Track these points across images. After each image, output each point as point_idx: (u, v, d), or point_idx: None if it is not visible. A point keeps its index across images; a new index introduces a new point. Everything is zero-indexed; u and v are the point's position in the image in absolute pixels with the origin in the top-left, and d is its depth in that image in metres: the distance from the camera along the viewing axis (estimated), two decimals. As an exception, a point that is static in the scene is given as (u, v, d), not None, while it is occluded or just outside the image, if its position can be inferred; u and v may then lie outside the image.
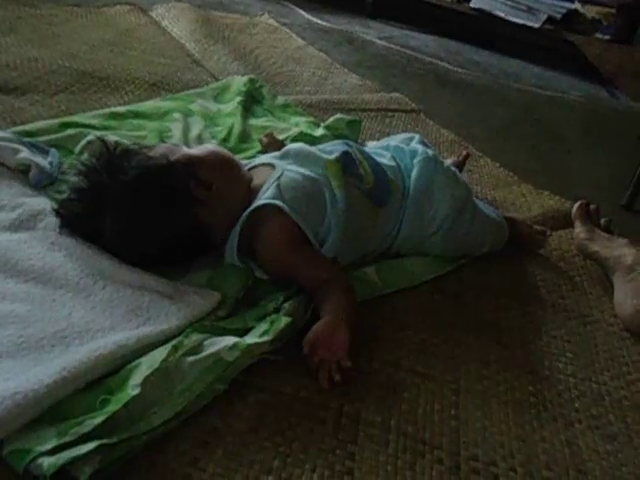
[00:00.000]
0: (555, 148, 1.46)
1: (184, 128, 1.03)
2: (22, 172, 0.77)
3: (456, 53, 2.11)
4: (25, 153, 0.77)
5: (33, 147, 0.83)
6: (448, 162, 1.04)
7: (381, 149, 0.89)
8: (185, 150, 0.74)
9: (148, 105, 1.09)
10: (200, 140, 1.01)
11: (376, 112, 1.39)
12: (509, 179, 1.19)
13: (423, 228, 0.81)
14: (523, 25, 2.00)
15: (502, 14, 2.02)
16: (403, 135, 1.01)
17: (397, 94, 1.51)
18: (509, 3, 2.04)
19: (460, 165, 1.08)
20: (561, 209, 1.10)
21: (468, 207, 0.83)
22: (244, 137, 1.05)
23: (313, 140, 1.05)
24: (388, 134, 1.29)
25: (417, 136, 0.97)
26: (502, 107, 1.66)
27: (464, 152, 1.12)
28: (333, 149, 0.81)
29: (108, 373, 0.54)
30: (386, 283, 0.79)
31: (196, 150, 0.75)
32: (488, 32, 2.22)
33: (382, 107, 1.42)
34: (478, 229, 0.84)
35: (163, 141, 0.96)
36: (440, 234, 0.81)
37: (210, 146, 0.79)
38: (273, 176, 0.75)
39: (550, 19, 1.98)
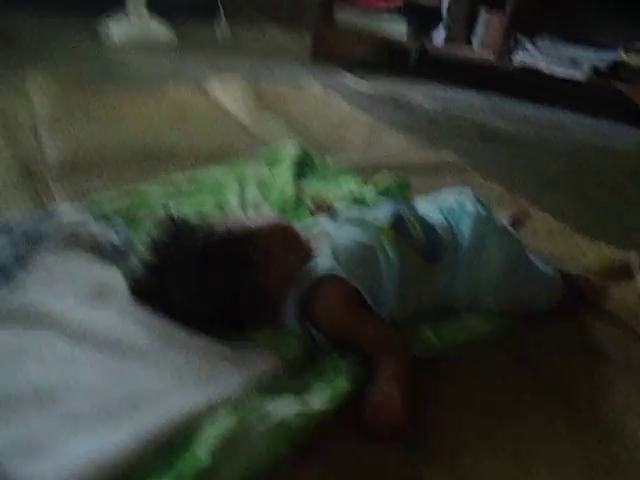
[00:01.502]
0: (608, 197, 1.44)
1: (241, 196, 1.09)
2: (95, 247, 0.83)
3: (501, 108, 2.14)
4: (97, 228, 0.84)
5: (104, 220, 0.89)
6: (503, 216, 1.05)
7: (431, 207, 0.91)
8: (245, 220, 0.78)
9: (207, 176, 1.16)
10: (256, 207, 1.06)
11: (424, 170, 1.42)
12: (563, 230, 1.19)
13: (477, 285, 0.82)
14: (568, 78, 2.01)
15: (546, 68, 2.04)
16: (454, 190, 1.01)
17: (444, 151, 1.54)
18: (552, 57, 2.06)
19: (517, 220, 1.08)
20: (620, 259, 1.08)
21: (521, 263, 0.83)
22: (296, 202, 1.10)
23: (363, 201, 1.09)
24: (437, 190, 1.30)
25: (468, 190, 0.97)
26: (551, 158, 1.67)
27: (523, 209, 1.12)
28: (383, 210, 0.84)
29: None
30: (443, 340, 0.79)
31: (255, 220, 0.79)
32: (533, 86, 2.24)
33: (430, 165, 1.45)
34: (533, 285, 0.84)
35: (223, 210, 1.03)
36: (495, 291, 0.81)
37: (268, 215, 0.83)
38: (327, 241, 0.78)
39: (595, 70, 1.99)
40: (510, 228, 0.94)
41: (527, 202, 1.30)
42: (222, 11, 2.69)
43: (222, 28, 2.63)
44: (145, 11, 2.33)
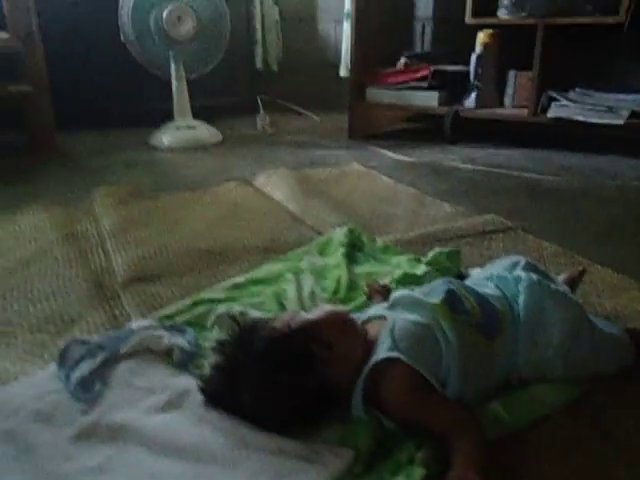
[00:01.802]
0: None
1: (297, 287, 1.12)
2: (167, 355, 0.88)
3: (543, 161, 2.15)
4: (167, 337, 0.89)
5: (173, 329, 0.94)
6: (561, 278, 1.04)
7: (484, 279, 0.92)
8: (304, 315, 0.81)
9: (263, 270, 1.21)
10: (313, 296, 1.10)
11: (473, 237, 1.43)
12: (625, 284, 1.16)
13: (541, 354, 0.81)
14: (607, 124, 2.01)
15: (582, 118, 2.06)
16: (507, 260, 1.01)
17: (491, 215, 1.55)
18: (587, 107, 2.07)
19: (575, 281, 1.07)
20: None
21: (584, 327, 0.82)
22: (352, 286, 1.13)
23: (416, 279, 1.10)
24: (490, 257, 1.32)
25: (522, 260, 0.97)
26: (602, 208, 1.65)
27: (579, 267, 1.11)
28: (437, 290, 0.85)
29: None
30: (515, 417, 0.78)
31: (314, 313, 0.82)
32: (570, 136, 2.25)
33: (478, 231, 1.46)
34: (599, 348, 0.82)
35: (281, 303, 1.07)
36: (559, 358, 0.80)
37: (326, 307, 0.86)
38: (386, 327, 0.80)
39: (634, 113, 1.99)
40: (567, 290, 0.93)
41: (583, 257, 1.29)
42: (261, 106, 2.86)
43: (263, 122, 2.79)
44: (191, 118, 2.51)
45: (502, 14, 2.16)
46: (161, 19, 2.23)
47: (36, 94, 2.18)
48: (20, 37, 2.11)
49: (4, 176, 2.00)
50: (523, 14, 2.10)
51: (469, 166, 2.10)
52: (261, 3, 3.16)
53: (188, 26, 2.26)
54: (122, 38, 2.26)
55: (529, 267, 0.94)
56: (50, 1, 2.42)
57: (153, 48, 2.30)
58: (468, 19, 2.21)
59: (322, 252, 1.31)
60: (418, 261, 1.23)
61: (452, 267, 1.19)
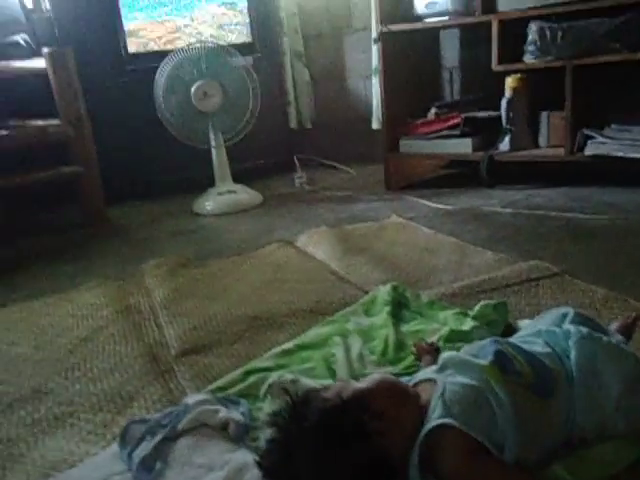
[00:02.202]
0: None
1: (345, 350, 1.13)
2: (223, 429, 0.90)
3: (584, 199, 2.12)
4: (223, 411, 0.91)
5: (227, 401, 0.97)
6: (614, 327, 1.02)
7: (532, 336, 0.91)
8: (354, 385, 0.82)
9: (311, 335, 1.23)
10: (361, 359, 1.11)
11: (519, 285, 1.42)
12: (682, 327, 1.12)
13: (599, 411, 0.79)
14: (646, 158, 1.99)
15: (621, 154, 2.04)
16: (555, 312, 0.99)
17: (535, 261, 1.53)
18: (625, 143, 2.05)
19: (630, 328, 1.03)
20: None
21: (641, 380, 0.81)
22: (400, 346, 1.13)
23: (464, 336, 1.10)
24: (537, 306, 1.31)
25: (571, 311, 0.95)
26: (651, 245, 1.61)
27: (633, 313, 1.06)
28: (485, 350, 0.85)
29: None
30: (578, 477, 0.76)
31: (364, 383, 0.83)
32: (611, 172, 2.22)
33: (524, 279, 1.44)
34: (661, 402, 0.80)
35: (331, 368, 1.08)
36: (620, 414, 0.78)
37: (376, 375, 0.86)
38: (437, 392, 0.80)
39: (672, 145, 1.96)
40: (621, 340, 0.91)
41: (636, 300, 1.26)
42: (298, 165, 2.94)
43: (301, 180, 2.86)
44: (232, 182, 2.60)
45: (528, 59, 2.18)
46: (189, 95, 2.39)
47: (87, 173, 2.32)
48: (70, 122, 2.26)
49: (61, 253, 2.11)
50: (549, 58, 2.12)
51: (509, 210, 2.09)
52: (292, 67, 3.29)
53: (214, 100, 2.41)
54: (159, 115, 2.39)
55: (578, 318, 0.93)
56: (95, 84, 2.58)
57: (185, 122, 2.43)
58: (495, 66, 2.25)
59: (368, 312, 1.32)
60: (465, 315, 1.22)
61: (500, 320, 1.18)
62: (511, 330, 1.15)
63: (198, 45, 2.42)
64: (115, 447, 0.89)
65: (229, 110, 2.47)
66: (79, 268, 1.91)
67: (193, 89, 2.39)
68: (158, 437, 0.89)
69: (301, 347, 1.17)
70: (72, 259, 2.02)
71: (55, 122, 2.26)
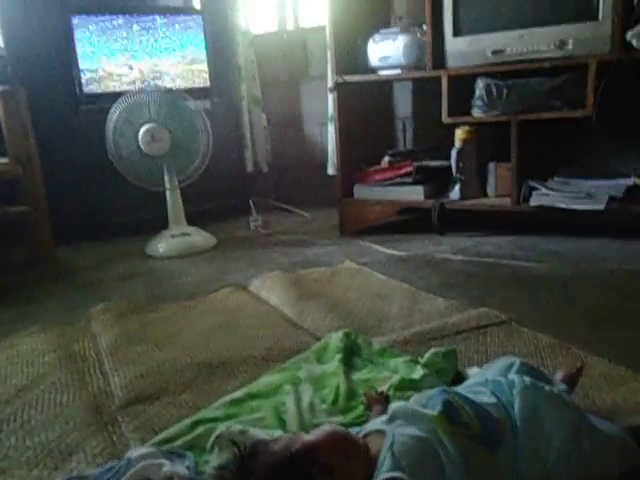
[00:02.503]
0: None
1: (296, 399, 1.12)
2: (168, 484, 0.86)
3: (530, 248, 2.20)
4: (167, 465, 0.87)
5: (172, 454, 0.93)
6: (559, 376, 1.04)
7: (479, 386, 0.92)
8: (303, 437, 0.81)
9: (261, 383, 1.21)
10: (312, 408, 1.09)
11: (468, 332, 1.44)
12: (624, 375, 1.16)
13: (543, 460, 0.80)
14: (588, 210, 2.08)
15: (564, 205, 2.13)
16: (502, 361, 1.01)
17: (484, 309, 1.56)
18: (567, 195, 2.16)
19: (574, 378, 1.05)
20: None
21: (583, 430, 0.82)
22: (351, 395, 1.12)
23: (414, 384, 1.11)
24: (485, 353, 1.33)
25: (517, 361, 0.97)
26: (594, 294, 1.67)
27: (577, 364, 1.09)
28: (434, 400, 0.86)
29: None
30: (525, 529, 0.76)
31: (314, 435, 0.82)
32: (555, 222, 2.31)
33: (473, 326, 1.47)
34: (601, 450, 0.82)
35: (281, 418, 1.07)
36: (561, 464, 0.79)
37: (326, 427, 0.85)
38: (386, 444, 0.79)
39: (612, 198, 2.07)
40: (564, 389, 0.94)
41: (579, 348, 1.29)
42: (253, 208, 2.95)
43: (256, 223, 2.87)
44: (185, 225, 2.58)
45: (476, 113, 2.29)
46: (137, 139, 2.39)
47: (35, 213, 2.26)
48: (19, 161, 2.21)
49: (4, 296, 2.03)
50: (496, 112, 2.23)
51: (460, 257, 2.14)
52: (249, 112, 3.33)
53: (162, 144, 2.40)
54: (110, 157, 2.37)
55: (523, 368, 0.95)
56: (49, 123, 2.55)
57: (135, 164, 2.42)
58: (445, 118, 2.34)
59: (320, 359, 1.31)
60: (415, 363, 1.23)
61: (449, 367, 1.20)
62: (460, 378, 1.17)
63: (149, 89, 2.43)
64: (51, 506, 0.85)
65: (179, 153, 2.46)
66: (22, 312, 1.84)
67: (141, 133, 2.39)
68: (97, 494, 0.85)
69: (251, 396, 1.15)
70: (15, 302, 1.95)
71: (3, 160, 2.21)
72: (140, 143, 2.39)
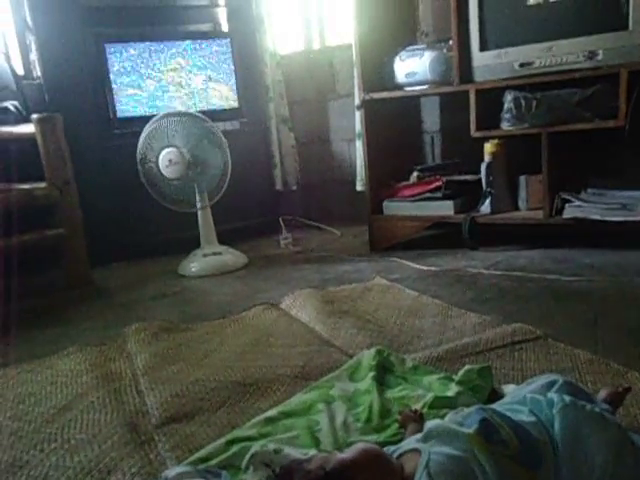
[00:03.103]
0: None
1: (330, 417, 1.12)
2: (203, 503, 0.87)
3: (564, 261, 2.16)
4: (204, 485, 0.88)
5: (208, 473, 0.94)
6: (602, 394, 1.01)
7: (518, 404, 0.91)
8: (338, 456, 0.81)
9: (294, 402, 1.21)
10: (346, 426, 1.09)
11: (503, 348, 1.42)
12: (665, 391, 1.13)
13: (585, 480, 0.79)
14: (623, 221, 2.04)
15: (598, 217, 2.09)
16: (543, 379, 0.98)
17: (518, 324, 1.54)
18: (601, 206, 2.11)
19: (619, 398, 1.01)
20: None
21: (625, 449, 0.80)
22: (384, 413, 1.12)
23: (449, 402, 1.09)
24: (521, 369, 1.31)
25: (560, 380, 0.94)
26: (631, 307, 1.63)
27: (625, 385, 1.05)
28: (471, 419, 0.85)
29: None
30: None
31: (348, 453, 0.82)
32: (590, 234, 2.27)
33: (507, 342, 1.45)
34: (645, 471, 0.80)
35: (315, 437, 1.06)
36: (605, 483, 0.78)
37: (360, 445, 0.85)
38: (421, 463, 0.79)
39: (648, 209, 2.02)
40: (606, 408, 0.91)
41: (619, 364, 1.26)
42: (283, 226, 2.97)
43: (286, 241, 2.88)
44: (217, 244, 2.61)
45: (505, 126, 2.27)
46: (157, 163, 2.45)
47: (71, 236, 2.32)
48: (57, 186, 2.28)
49: (43, 317, 2.08)
50: (525, 125, 2.21)
51: (492, 271, 2.11)
52: (277, 131, 3.38)
53: (178, 167, 2.43)
54: (142, 178, 2.44)
55: (566, 387, 0.92)
56: (83, 148, 2.62)
57: (160, 186, 2.48)
58: (473, 133, 2.33)
59: (352, 377, 1.31)
60: (449, 380, 1.22)
61: (484, 385, 1.18)
62: (496, 395, 1.15)
63: (168, 113, 2.47)
64: (90, 525, 0.86)
65: (199, 174, 2.48)
66: (60, 333, 1.88)
67: (160, 157, 2.43)
68: (136, 513, 0.86)
69: (285, 414, 1.15)
70: (53, 323, 1.99)
71: (42, 185, 2.28)
72: (160, 167, 2.44)
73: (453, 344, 1.47)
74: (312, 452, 0.95)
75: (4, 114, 2.47)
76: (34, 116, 2.30)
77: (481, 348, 1.43)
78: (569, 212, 2.17)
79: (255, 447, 1.00)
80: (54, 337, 1.84)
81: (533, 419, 0.85)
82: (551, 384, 0.95)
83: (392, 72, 2.55)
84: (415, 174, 2.64)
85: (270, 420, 1.14)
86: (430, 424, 0.88)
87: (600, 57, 2.06)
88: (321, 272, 2.36)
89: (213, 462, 1.00)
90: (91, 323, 1.97)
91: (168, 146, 2.43)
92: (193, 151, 2.44)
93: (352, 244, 2.82)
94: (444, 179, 2.53)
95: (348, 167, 3.34)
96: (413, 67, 2.48)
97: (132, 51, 2.80)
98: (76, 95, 2.74)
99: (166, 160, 2.42)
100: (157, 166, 2.43)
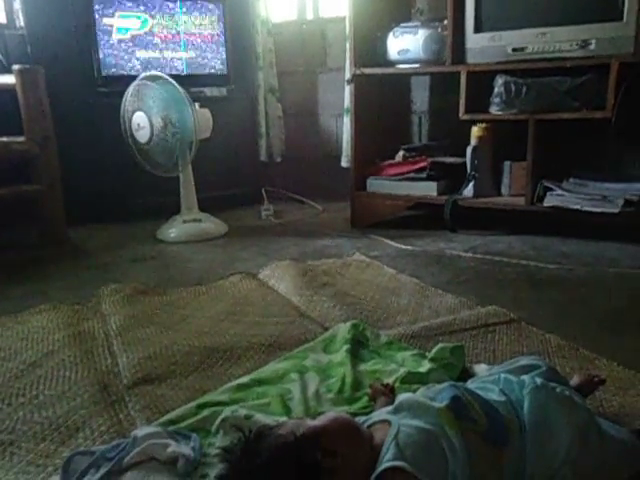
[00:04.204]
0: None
1: (302, 387, 1.13)
2: (172, 464, 0.87)
3: (542, 248, 2.18)
4: (173, 446, 0.88)
5: (177, 435, 0.94)
6: (575, 380, 1.03)
7: (490, 383, 0.92)
8: (309, 423, 0.81)
9: (267, 370, 1.21)
10: (318, 397, 1.10)
11: (476, 329, 1.44)
12: (632, 380, 1.15)
13: (549, 462, 0.80)
14: (603, 212, 2.07)
15: (578, 207, 2.11)
16: (526, 360, 0.99)
17: (493, 307, 1.56)
18: (582, 197, 2.13)
19: (590, 386, 1.03)
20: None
21: (591, 433, 0.82)
22: (356, 386, 1.13)
23: (421, 378, 1.11)
24: (492, 350, 1.33)
25: (543, 367, 0.95)
26: (605, 297, 1.66)
27: (601, 375, 1.05)
28: (442, 395, 0.86)
29: None
30: (526, 527, 0.76)
31: (319, 421, 0.82)
32: (569, 223, 2.29)
33: (481, 323, 1.46)
34: (609, 455, 0.81)
35: (286, 405, 1.07)
36: (568, 466, 0.79)
37: (331, 414, 0.86)
38: (390, 434, 0.79)
39: (627, 202, 2.04)
40: (573, 395, 0.92)
41: (587, 350, 1.29)
42: (266, 197, 2.95)
43: (267, 212, 2.87)
44: (197, 211, 2.58)
45: (494, 110, 2.27)
46: (130, 126, 2.41)
47: (48, 193, 2.27)
48: (36, 140, 2.22)
49: (15, 273, 2.05)
50: (513, 110, 2.21)
51: (470, 254, 2.13)
52: (265, 101, 3.33)
53: (144, 131, 2.38)
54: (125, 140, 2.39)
55: (547, 374, 0.92)
56: (65, 104, 2.55)
57: (139, 149, 2.43)
58: (462, 115, 2.32)
59: (327, 349, 1.31)
60: (422, 357, 1.23)
61: (456, 363, 1.19)
62: (467, 374, 1.17)
63: (144, 76, 2.41)
64: (56, 479, 0.86)
65: (160, 143, 2.41)
66: (32, 290, 1.86)
67: (133, 121, 2.39)
68: (103, 470, 0.86)
69: (257, 382, 1.15)
70: (25, 280, 1.96)
71: (20, 139, 2.22)
72: (133, 130, 2.40)
73: (428, 322, 1.48)
74: (283, 419, 0.95)
75: (-16, 63, 2.39)
76: (15, 67, 2.23)
77: (455, 328, 1.44)
78: (550, 200, 2.19)
79: (226, 412, 1.01)
80: (26, 294, 1.81)
81: (503, 399, 0.86)
82: (532, 367, 0.95)
83: (385, 48, 2.52)
84: (401, 153, 2.64)
85: (242, 387, 1.14)
86: (402, 397, 0.89)
87: (593, 47, 2.06)
88: (301, 245, 2.36)
89: (183, 424, 1.00)
90: (65, 282, 1.94)
91: (138, 110, 2.38)
92: (161, 115, 2.38)
93: (333, 220, 2.81)
94: (429, 160, 2.53)
95: (334, 142, 3.32)
96: (406, 44, 2.46)
97: (122, 7, 2.72)
98: (60, 48, 2.66)
99: (135, 124, 2.38)
100: (130, 129, 2.39)
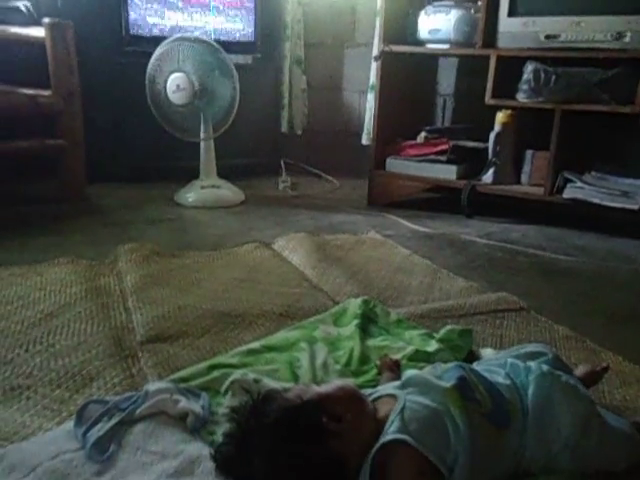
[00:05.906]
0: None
1: (310, 357, 1.15)
2: (181, 419, 0.90)
3: (557, 240, 2.18)
4: (183, 402, 0.91)
5: (188, 392, 0.97)
6: (580, 370, 1.04)
7: (497, 366, 0.94)
8: (315, 389, 0.84)
9: (278, 337, 1.24)
10: (325, 367, 1.12)
11: (485, 315, 1.45)
12: (636, 374, 1.16)
13: (548, 447, 0.82)
14: (622, 208, 2.05)
15: (598, 201, 2.10)
16: (533, 347, 1.01)
17: (504, 293, 1.57)
18: (603, 190, 2.12)
19: (595, 376, 1.04)
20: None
21: (593, 422, 0.83)
22: (364, 360, 1.15)
23: (427, 357, 1.13)
24: (500, 336, 1.34)
25: (549, 355, 0.97)
26: (616, 292, 1.66)
27: (603, 363, 1.07)
28: (449, 374, 0.87)
29: None
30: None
31: (325, 387, 0.85)
32: (586, 217, 2.28)
33: (491, 309, 1.48)
34: (608, 445, 0.83)
35: (294, 372, 1.10)
36: (567, 452, 0.81)
37: (337, 382, 0.88)
38: (396, 408, 0.82)
39: (647, 199, 2.03)
40: (578, 385, 0.93)
41: (594, 343, 1.30)
42: (284, 169, 2.96)
43: (285, 184, 2.87)
44: (216, 177, 2.59)
45: (520, 97, 2.24)
46: (165, 87, 2.39)
47: (71, 149, 2.29)
48: (62, 95, 2.23)
49: (35, 226, 2.08)
50: (541, 99, 2.18)
51: (485, 241, 2.13)
52: (290, 72, 3.31)
53: (185, 93, 2.36)
54: (149, 101, 2.39)
55: (553, 362, 0.94)
56: (92, 61, 2.56)
57: (167, 111, 2.43)
58: (488, 100, 2.30)
59: (337, 322, 1.33)
60: (430, 337, 1.25)
61: (464, 346, 1.21)
62: (473, 357, 1.18)
63: (183, 37, 2.41)
64: (70, 425, 0.89)
65: (205, 104, 2.43)
66: (51, 242, 1.89)
67: (169, 81, 2.37)
68: (115, 420, 0.89)
69: (267, 348, 1.18)
70: (46, 233, 2.00)
71: (46, 93, 2.24)
72: (167, 91, 2.38)
73: (438, 304, 1.50)
74: (290, 386, 0.97)
75: (15, 14, 2.39)
76: (45, 20, 2.23)
77: (464, 312, 1.46)
78: (570, 192, 2.18)
79: (236, 374, 1.04)
80: (45, 246, 1.85)
81: (508, 382, 0.88)
82: (538, 354, 0.97)
83: (415, 26, 2.49)
84: (423, 134, 2.62)
85: (252, 352, 1.16)
86: (409, 373, 0.91)
87: (627, 39, 2.03)
88: (316, 219, 2.37)
89: (193, 383, 1.02)
90: (83, 237, 1.97)
91: (177, 70, 2.37)
92: (202, 80, 2.38)
93: (350, 196, 2.82)
94: (451, 143, 2.51)
95: (357, 119, 3.29)
96: (437, 24, 2.42)
97: (152, -33, 2.70)
98: (90, 5, 2.65)
99: (174, 85, 2.37)
100: (165, 90, 2.38)
